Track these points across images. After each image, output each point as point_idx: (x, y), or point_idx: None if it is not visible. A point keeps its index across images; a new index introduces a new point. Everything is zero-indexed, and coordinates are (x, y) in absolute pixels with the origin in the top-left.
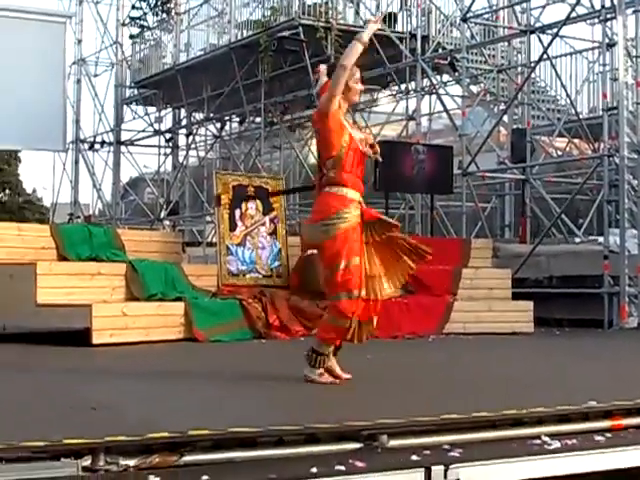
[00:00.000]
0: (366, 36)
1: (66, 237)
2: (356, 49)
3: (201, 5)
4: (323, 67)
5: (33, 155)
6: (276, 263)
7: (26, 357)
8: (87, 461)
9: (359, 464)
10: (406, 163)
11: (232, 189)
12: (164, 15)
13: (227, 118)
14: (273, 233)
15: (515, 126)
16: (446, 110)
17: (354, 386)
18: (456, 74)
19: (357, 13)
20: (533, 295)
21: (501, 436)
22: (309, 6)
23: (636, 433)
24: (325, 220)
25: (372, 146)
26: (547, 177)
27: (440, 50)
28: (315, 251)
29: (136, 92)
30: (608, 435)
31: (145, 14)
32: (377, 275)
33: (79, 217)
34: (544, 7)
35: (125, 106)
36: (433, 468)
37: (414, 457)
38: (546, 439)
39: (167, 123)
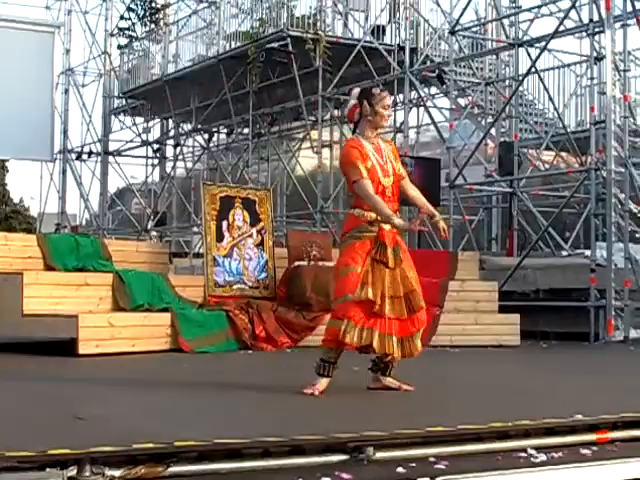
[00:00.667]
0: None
1: (53, 247)
2: (380, 212)
3: (190, 16)
4: (356, 90)
5: (21, 165)
6: (263, 274)
7: (12, 367)
8: (73, 471)
9: (345, 476)
10: None
11: (219, 200)
12: (152, 26)
13: (215, 129)
14: (260, 244)
15: (503, 139)
16: (434, 123)
17: (341, 398)
18: (444, 87)
19: (345, 25)
20: (520, 308)
21: (487, 449)
22: (297, 18)
23: (622, 446)
24: (343, 237)
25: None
26: (534, 190)
27: (428, 63)
28: (303, 262)
29: (124, 102)
30: (594, 448)
31: (134, 25)
32: (402, 295)
33: (66, 227)
34: (532, 20)
35: (113, 116)
36: None
37: (400, 469)
38: (532, 452)
39: (155, 134)
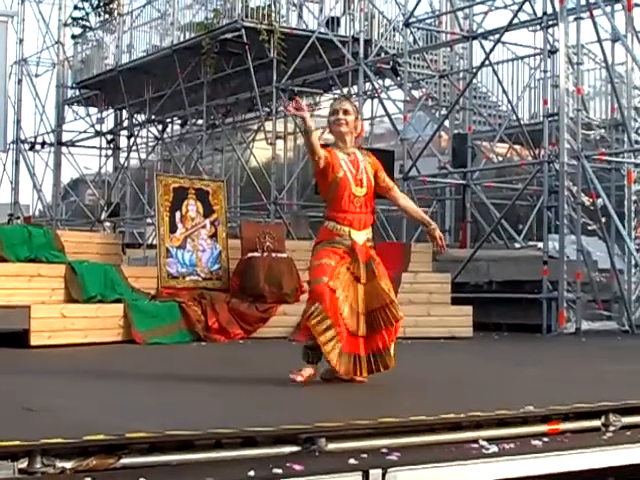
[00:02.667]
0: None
1: (5, 238)
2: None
3: (144, 6)
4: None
5: None
6: (216, 266)
7: None
8: (23, 463)
9: (297, 467)
10: None
11: (173, 191)
12: (106, 16)
13: (169, 120)
14: (214, 236)
15: (456, 131)
16: (388, 114)
17: (293, 389)
18: (398, 78)
19: (300, 17)
20: (473, 300)
21: (439, 440)
22: (252, 9)
23: (573, 438)
24: (315, 245)
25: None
26: (487, 182)
27: (382, 54)
28: (257, 254)
29: (78, 93)
30: (545, 440)
31: (87, 14)
32: (374, 309)
33: (19, 218)
34: (486, 13)
35: (66, 107)
36: (371, 472)
37: (352, 460)
38: (484, 443)
39: (109, 124)
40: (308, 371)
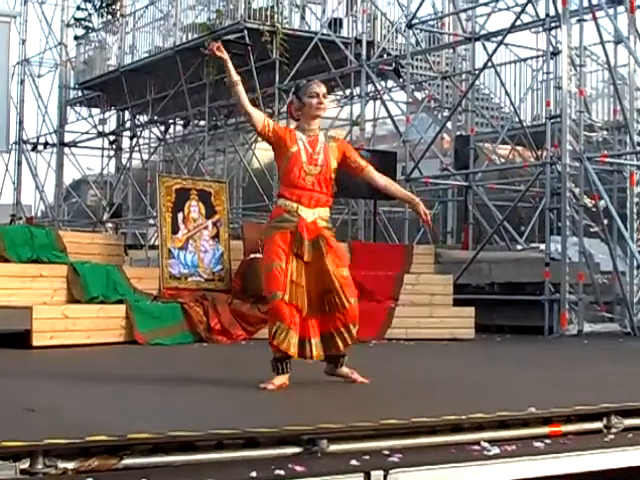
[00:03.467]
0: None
1: (7, 238)
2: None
3: (146, 7)
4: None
5: None
6: (218, 267)
7: None
8: (25, 464)
9: (298, 468)
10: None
11: (175, 192)
12: (109, 17)
13: (171, 121)
14: (216, 237)
15: (459, 133)
16: (390, 116)
17: (295, 391)
18: (401, 80)
19: (303, 18)
20: (474, 301)
21: (440, 442)
22: (255, 10)
23: (575, 440)
24: (266, 228)
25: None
26: (490, 184)
27: (385, 56)
28: (259, 255)
29: (80, 93)
30: (547, 441)
31: (90, 15)
32: (322, 291)
33: (21, 218)
34: (489, 15)
35: (69, 107)
36: (372, 473)
37: (354, 462)
38: (485, 445)
39: (111, 125)
40: (280, 379)
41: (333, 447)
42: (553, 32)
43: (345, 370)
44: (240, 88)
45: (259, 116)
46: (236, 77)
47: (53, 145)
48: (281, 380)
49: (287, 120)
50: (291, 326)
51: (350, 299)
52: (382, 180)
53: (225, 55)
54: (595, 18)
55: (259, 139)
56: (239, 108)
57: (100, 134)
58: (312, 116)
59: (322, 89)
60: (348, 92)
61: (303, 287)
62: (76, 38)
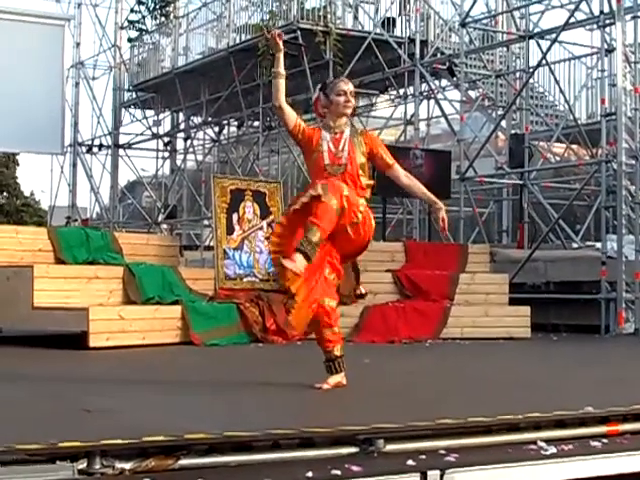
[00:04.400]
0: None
1: (63, 240)
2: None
3: (200, 9)
4: (319, 87)
5: (31, 158)
6: (273, 267)
7: (22, 360)
8: (83, 464)
9: (355, 468)
10: (404, 168)
11: (230, 193)
12: (163, 19)
13: (225, 122)
14: (270, 237)
15: (513, 131)
16: (444, 115)
17: (351, 390)
18: (454, 79)
19: (356, 18)
20: (530, 300)
21: (497, 441)
22: (308, 10)
23: (632, 439)
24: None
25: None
26: (545, 182)
27: (439, 55)
28: None
29: (134, 95)
30: (604, 441)
31: (144, 17)
32: None
33: (76, 220)
34: (543, 12)
35: (123, 109)
36: (429, 473)
37: (410, 462)
38: (542, 444)
39: (165, 127)
40: (335, 379)
41: (389, 447)
42: (607, 29)
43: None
44: (281, 81)
45: (292, 115)
46: (282, 70)
47: (108, 147)
48: (336, 379)
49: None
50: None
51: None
52: (406, 180)
53: (281, 45)
54: None
55: None
56: (273, 101)
57: (154, 136)
58: (339, 114)
59: (350, 87)
60: (402, 92)
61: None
62: (130, 40)
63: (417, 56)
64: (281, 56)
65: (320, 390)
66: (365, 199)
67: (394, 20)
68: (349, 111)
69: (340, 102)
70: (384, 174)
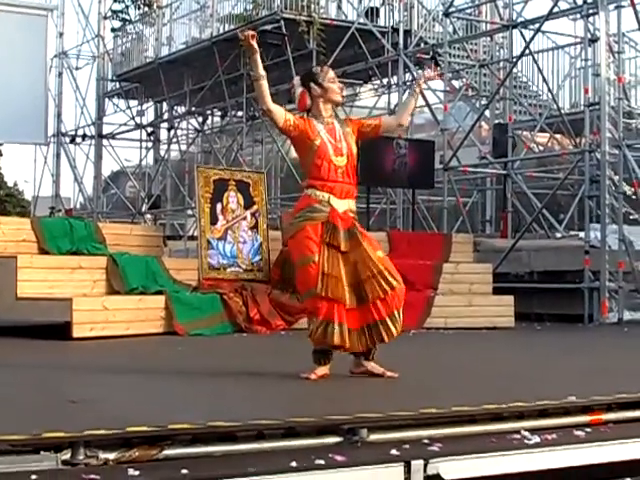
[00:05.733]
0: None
1: (47, 230)
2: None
3: None
4: (297, 79)
5: (14, 148)
6: (257, 257)
7: (5, 350)
8: (67, 455)
9: (339, 458)
10: (387, 157)
11: (213, 183)
12: (146, 9)
13: (209, 112)
14: (254, 227)
15: (497, 121)
16: (428, 105)
17: (334, 380)
18: (438, 69)
19: (339, 7)
20: (514, 290)
21: (481, 431)
22: (291, 0)
23: (615, 428)
24: (293, 218)
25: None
26: (528, 172)
27: (422, 45)
28: None
29: (118, 85)
30: (588, 430)
31: (127, 7)
32: (363, 279)
33: (60, 210)
34: (526, 2)
35: (107, 99)
36: (413, 462)
37: (394, 451)
38: (526, 434)
39: (149, 117)
40: (321, 370)
41: (373, 436)
42: (591, 19)
43: (373, 364)
44: (263, 83)
45: (280, 112)
46: (262, 72)
47: (91, 137)
48: (323, 371)
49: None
50: (329, 318)
51: (397, 278)
52: (398, 118)
53: (256, 46)
54: (633, 4)
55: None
56: (260, 105)
57: (138, 126)
58: (334, 101)
59: (334, 74)
60: (385, 81)
61: (337, 277)
62: (113, 30)
63: (401, 46)
64: (257, 57)
65: (306, 380)
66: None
67: (377, 10)
68: (342, 99)
69: (335, 89)
70: (380, 136)
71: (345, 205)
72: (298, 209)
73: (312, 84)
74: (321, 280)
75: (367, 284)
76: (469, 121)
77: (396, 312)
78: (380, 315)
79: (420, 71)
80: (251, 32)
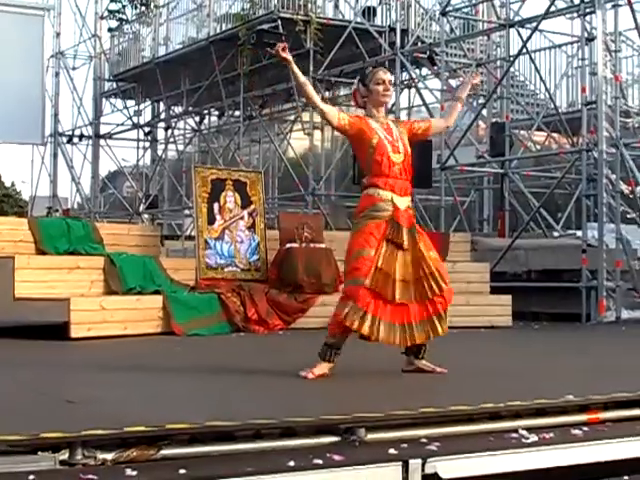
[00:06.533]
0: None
1: (44, 230)
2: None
3: None
4: (358, 78)
5: (12, 148)
6: (254, 257)
7: (3, 351)
8: (64, 455)
9: (337, 458)
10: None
11: (211, 183)
12: (143, 8)
13: (206, 112)
14: (252, 227)
15: (494, 120)
16: (425, 104)
17: (332, 380)
18: (435, 68)
19: (336, 7)
20: (511, 289)
21: (478, 430)
22: (288, 0)
23: (613, 427)
24: (356, 218)
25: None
26: (526, 171)
27: (419, 44)
28: (295, 244)
29: (115, 85)
30: (585, 429)
31: (124, 7)
32: (420, 277)
33: (57, 210)
34: (523, 1)
35: (104, 99)
36: (411, 462)
37: (392, 451)
38: (523, 433)
39: (146, 117)
40: (322, 368)
41: (371, 436)
42: (588, 18)
43: (424, 362)
44: (310, 89)
45: (333, 112)
46: (303, 78)
47: (89, 137)
48: (322, 370)
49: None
50: (368, 310)
51: (446, 280)
52: (447, 120)
53: (289, 57)
54: (630, 3)
55: (294, 128)
56: (313, 108)
57: (135, 126)
58: (378, 103)
59: (388, 76)
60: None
61: (388, 274)
62: (110, 30)
63: (398, 45)
64: (294, 67)
65: (304, 379)
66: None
67: (374, 9)
68: (388, 100)
69: (379, 91)
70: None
71: (405, 202)
72: (362, 208)
73: (360, 84)
74: (373, 274)
75: (418, 283)
76: (466, 120)
77: (442, 312)
78: (428, 314)
79: (467, 75)
80: (281, 45)
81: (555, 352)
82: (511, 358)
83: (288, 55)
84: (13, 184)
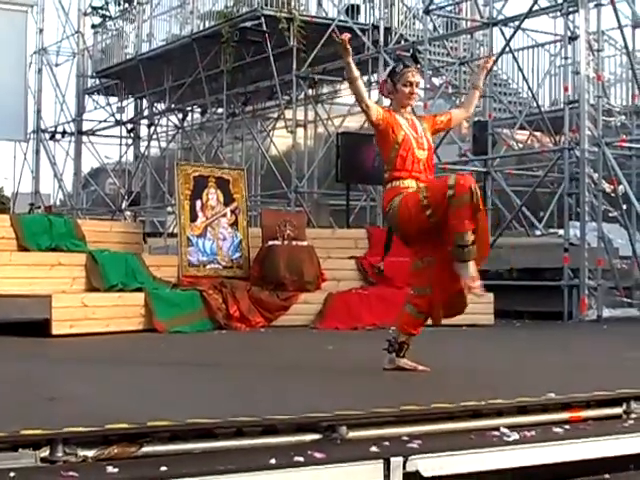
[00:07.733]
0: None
1: (26, 227)
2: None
3: None
4: (389, 67)
5: None
6: (237, 254)
7: None
8: (45, 452)
9: (318, 455)
10: (368, 155)
11: (193, 180)
12: (126, 5)
13: (189, 109)
14: (234, 224)
15: (477, 118)
16: None
17: (314, 377)
18: (418, 66)
19: (320, 4)
20: (494, 287)
21: (460, 428)
22: None
23: (594, 425)
24: (387, 211)
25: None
26: (508, 170)
27: (402, 42)
28: (277, 242)
29: (98, 82)
30: (567, 427)
31: (107, 4)
32: None
33: (40, 207)
34: (506, 0)
35: (87, 96)
36: (392, 459)
37: (373, 448)
38: (505, 431)
39: (129, 113)
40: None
41: (352, 434)
42: (571, 17)
43: (405, 360)
44: (360, 83)
45: (374, 109)
46: (357, 73)
47: (71, 134)
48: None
49: (305, 107)
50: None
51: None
52: (467, 110)
53: (350, 49)
54: (613, 2)
55: (277, 126)
56: (358, 102)
57: (118, 122)
58: (403, 104)
59: (416, 78)
60: (366, 78)
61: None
62: (93, 27)
63: (381, 43)
64: (351, 60)
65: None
66: None
67: (358, 7)
68: (412, 103)
69: (406, 93)
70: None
71: None
72: (389, 200)
73: (389, 80)
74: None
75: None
76: None
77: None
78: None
79: (479, 61)
80: (348, 35)
81: (537, 350)
82: (493, 356)
83: (349, 47)
84: None
